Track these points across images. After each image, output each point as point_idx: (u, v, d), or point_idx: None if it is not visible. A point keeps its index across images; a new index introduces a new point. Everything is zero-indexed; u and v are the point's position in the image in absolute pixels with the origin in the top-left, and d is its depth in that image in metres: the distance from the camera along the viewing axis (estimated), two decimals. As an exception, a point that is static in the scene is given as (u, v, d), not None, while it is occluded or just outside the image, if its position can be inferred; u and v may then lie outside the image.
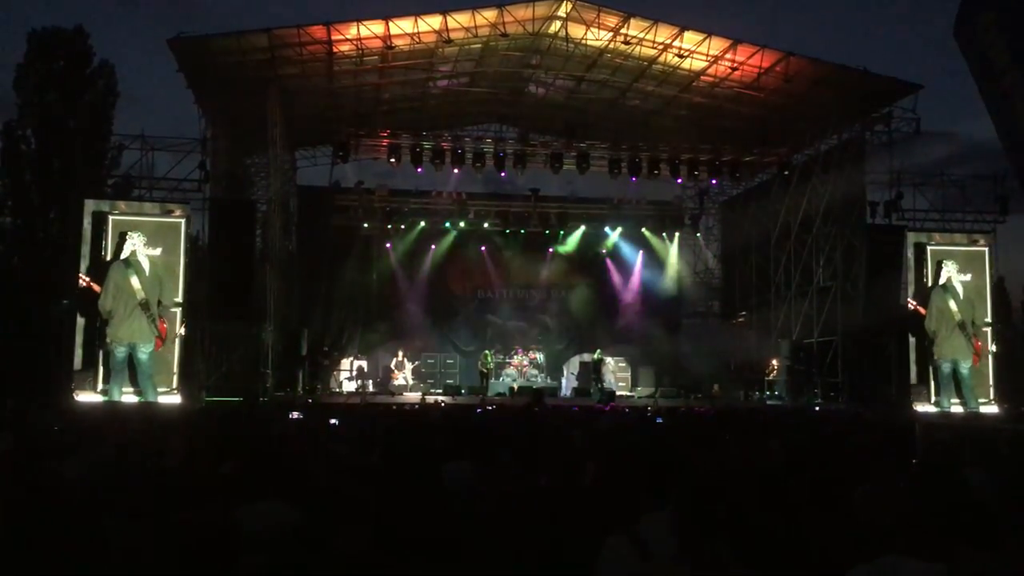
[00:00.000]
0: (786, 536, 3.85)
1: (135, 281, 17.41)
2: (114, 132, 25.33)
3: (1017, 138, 11.25)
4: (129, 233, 17.59)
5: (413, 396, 21.75)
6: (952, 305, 20.25)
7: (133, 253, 17.53)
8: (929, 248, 20.50)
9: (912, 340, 20.23)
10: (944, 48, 12.75)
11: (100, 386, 17.33)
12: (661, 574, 3.20)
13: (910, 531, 2.76)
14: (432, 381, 24.91)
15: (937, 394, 19.97)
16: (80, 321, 17.48)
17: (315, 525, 4.05)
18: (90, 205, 18.12)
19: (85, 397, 17.08)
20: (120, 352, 17.23)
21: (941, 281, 20.24)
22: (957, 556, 2.66)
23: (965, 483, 2.82)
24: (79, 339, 17.48)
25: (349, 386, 24.37)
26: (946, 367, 20.13)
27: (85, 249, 17.75)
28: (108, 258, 17.56)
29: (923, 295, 20.20)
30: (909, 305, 20.35)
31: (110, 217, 17.89)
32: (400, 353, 24.43)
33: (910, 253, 20.56)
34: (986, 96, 11.55)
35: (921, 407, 19.70)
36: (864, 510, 4.10)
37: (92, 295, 17.28)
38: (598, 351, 24.89)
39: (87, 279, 17.43)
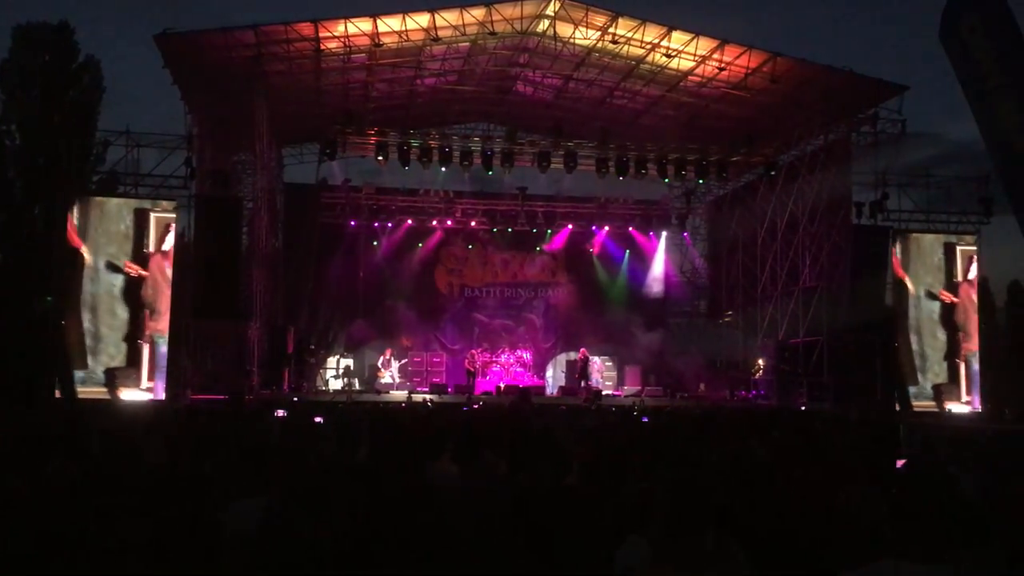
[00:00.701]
0: (772, 535, 3.85)
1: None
2: (99, 128, 25.18)
3: (1001, 139, 11.32)
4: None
5: (399, 394, 21.69)
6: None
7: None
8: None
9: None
10: (930, 50, 12.83)
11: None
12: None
13: (898, 531, 2.75)
14: (419, 379, 24.86)
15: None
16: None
17: (300, 523, 4.02)
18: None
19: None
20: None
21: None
22: (948, 556, 2.67)
23: (953, 482, 2.82)
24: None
25: (335, 384, 24.29)
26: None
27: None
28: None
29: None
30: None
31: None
32: (387, 351, 24.37)
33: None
34: (971, 97, 11.62)
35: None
36: (851, 510, 4.11)
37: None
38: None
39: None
